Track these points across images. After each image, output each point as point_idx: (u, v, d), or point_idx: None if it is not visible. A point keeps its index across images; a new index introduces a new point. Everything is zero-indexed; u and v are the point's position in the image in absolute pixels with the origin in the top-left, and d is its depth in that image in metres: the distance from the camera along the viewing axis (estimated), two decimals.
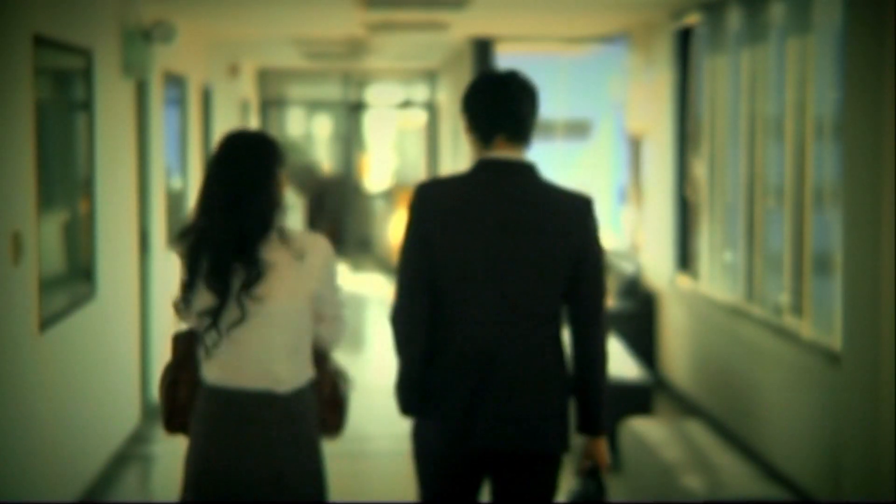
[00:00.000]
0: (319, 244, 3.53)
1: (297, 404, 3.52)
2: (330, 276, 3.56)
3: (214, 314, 3.42)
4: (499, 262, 3.49)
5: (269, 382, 3.47)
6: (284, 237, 3.48)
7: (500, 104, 3.56)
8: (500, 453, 3.50)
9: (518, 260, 3.49)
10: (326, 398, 3.65)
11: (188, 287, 3.45)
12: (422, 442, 3.58)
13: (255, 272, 3.41)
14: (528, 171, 3.57)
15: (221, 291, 3.41)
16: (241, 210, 3.42)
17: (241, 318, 3.42)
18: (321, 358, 3.64)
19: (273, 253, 3.46)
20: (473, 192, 3.54)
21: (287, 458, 3.49)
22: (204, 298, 3.44)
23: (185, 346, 3.59)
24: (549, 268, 3.49)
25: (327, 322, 3.61)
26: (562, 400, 3.52)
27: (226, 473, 3.47)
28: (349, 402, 3.70)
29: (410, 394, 3.53)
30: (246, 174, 3.45)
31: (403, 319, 3.54)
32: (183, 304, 3.47)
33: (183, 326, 3.60)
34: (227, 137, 3.53)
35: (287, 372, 3.50)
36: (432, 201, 3.55)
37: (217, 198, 3.44)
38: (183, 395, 3.59)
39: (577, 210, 3.54)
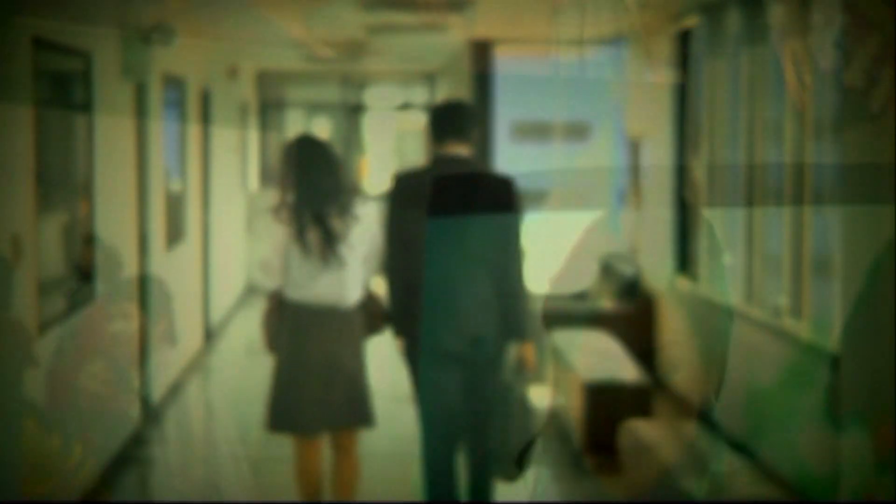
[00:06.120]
0: (374, 210, 5.37)
1: (352, 316, 5.32)
2: (379, 232, 5.37)
3: (323, 245, 5.22)
4: (454, 224, 4.97)
5: (337, 300, 5.28)
6: (352, 206, 5.33)
7: (447, 120, 5.23)
8: (463, 356, 5.04)
9: (467, 222, 4.97)
10: (375, 310, 5.38)
11: (300, 234, 5.22)
12: (413, 348, 5.14)
13: (346, 208, 5.28)
14: (468, 162, 5.19)
15: (325, 230, 5.23)
16: (334, 178, 5.30)
17: (334, 239, 5.25)
18: (367, 285, 5.43)
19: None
20: (432, 178, 5.04)
21: (343, 351, 5.28)
22: (312, 235, 5.23)
23: (278, 298, 5.31)
24: (488, 226, 4.98)
25: (370, 261, 5.41)
26: (497, 322, 5.02)
27: (302, 360, 5.24)
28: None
29: (399, 319, 5.20)
30: (331, 158, 5.35)
31: (391, 269, 5.20)
32: (300, 244, 5.22)
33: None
34: (307, 137, 5.43)
35: (350, 293, 5.32)
36: (405, 185, 5.18)
37: (315, 173, 5.25)
38: (278, 328, 5.31)
39: (504, 186, 5.04)
